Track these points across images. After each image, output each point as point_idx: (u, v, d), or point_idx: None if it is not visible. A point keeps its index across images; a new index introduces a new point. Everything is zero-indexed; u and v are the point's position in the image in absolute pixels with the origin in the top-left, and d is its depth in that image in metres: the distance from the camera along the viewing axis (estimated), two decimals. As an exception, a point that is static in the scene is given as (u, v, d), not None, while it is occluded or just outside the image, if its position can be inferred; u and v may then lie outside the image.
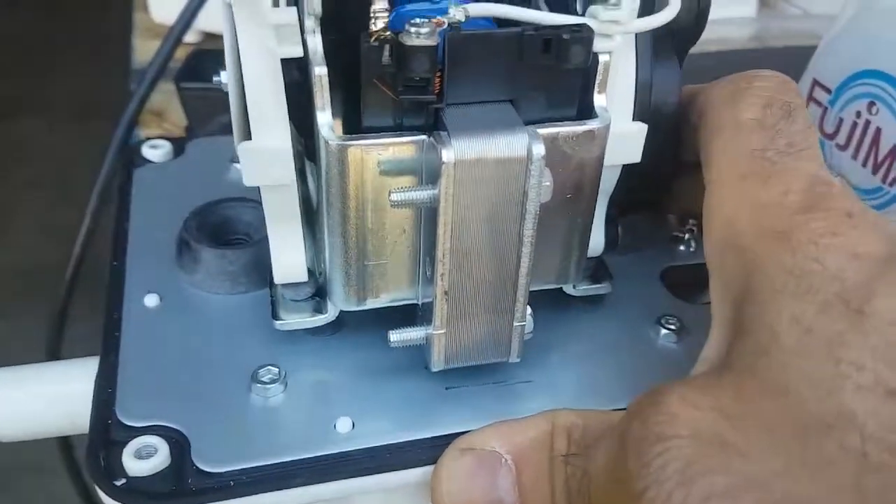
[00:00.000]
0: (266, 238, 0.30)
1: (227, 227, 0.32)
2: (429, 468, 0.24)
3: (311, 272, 0.27)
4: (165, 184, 0.35)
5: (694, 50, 0.28)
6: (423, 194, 0.22)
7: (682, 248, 0.33)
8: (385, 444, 0.25)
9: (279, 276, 0.27)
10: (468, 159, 0.22)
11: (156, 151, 0.36)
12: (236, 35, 0.22)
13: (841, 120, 0.36)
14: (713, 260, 0.23)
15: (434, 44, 0.21)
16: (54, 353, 0.49)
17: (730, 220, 0.23)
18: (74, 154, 1.83)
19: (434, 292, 0.24)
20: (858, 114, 0.35)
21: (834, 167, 0.36)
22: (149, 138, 0.39)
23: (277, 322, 0.27)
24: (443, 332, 0.25)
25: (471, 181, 0.22)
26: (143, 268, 0.31)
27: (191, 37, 0.50)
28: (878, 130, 0.34)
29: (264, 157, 0.23)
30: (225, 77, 0.26)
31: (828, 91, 0.36)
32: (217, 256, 0.30)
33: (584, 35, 0.22)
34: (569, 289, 0.28)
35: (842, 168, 0.36)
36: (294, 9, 0.21)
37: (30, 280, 1.50)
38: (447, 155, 0.21)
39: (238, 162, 0.35)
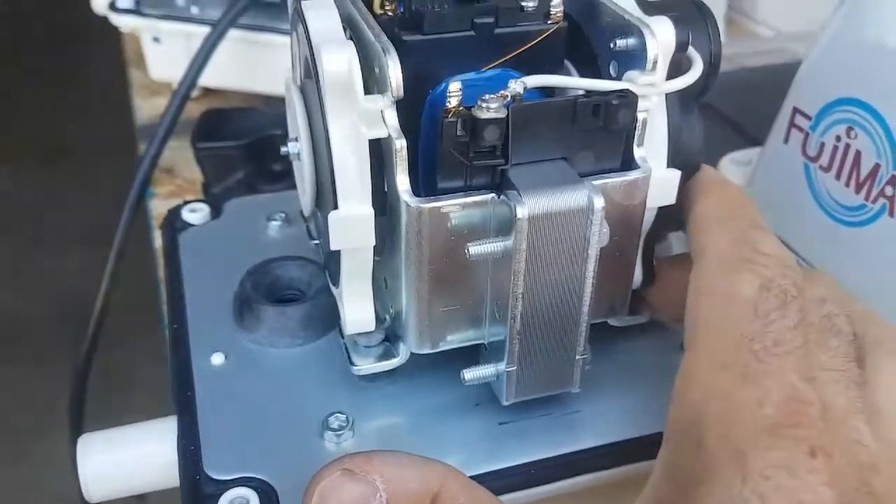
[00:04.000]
0: (319, 292, 0.34)
1: (280, 283, 0.35)
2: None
3: (378, 319, 0.31)
4: (210, 245, 0.38)
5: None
6: (498, 246, 0.26)
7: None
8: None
9: (351, 328, 0.30)
10: (539, 214, 0.26)
11: (195, 215, 0.39)
12: (325, 118, 0.26)
13: (823, 144, 0.41)
14: (672, 435, 0.24)
15: (504, 116, 0.25)
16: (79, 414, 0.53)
17: (698, 408, 0.23)
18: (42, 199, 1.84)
19: (507, 333, 0.28)
20: (838, 138, 0.40)
21: (819, 189, 0.42)
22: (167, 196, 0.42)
23: (354, 368, 0.31)
24: (514, 368, 0.29)
25: (540, 232, 0.26)
26: (203, 329, 0.34)
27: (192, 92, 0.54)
28: (858, 153, 0.39)
29: (350, 224, 0.27)
30: (294, 148, 0.30)
31: (808, 118, 0.42)
32: (277, 313, 0.33)
33: (630, 100, 0.26)
34: (612, 320, 0.33)
35: (827, 188, 0.41)
36: (380, 96, 0.25)
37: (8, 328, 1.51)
38: (521, 211, 0.26)
39: (275, 220, 0.39)
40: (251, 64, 0.64)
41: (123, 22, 0.66)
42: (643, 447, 0.30)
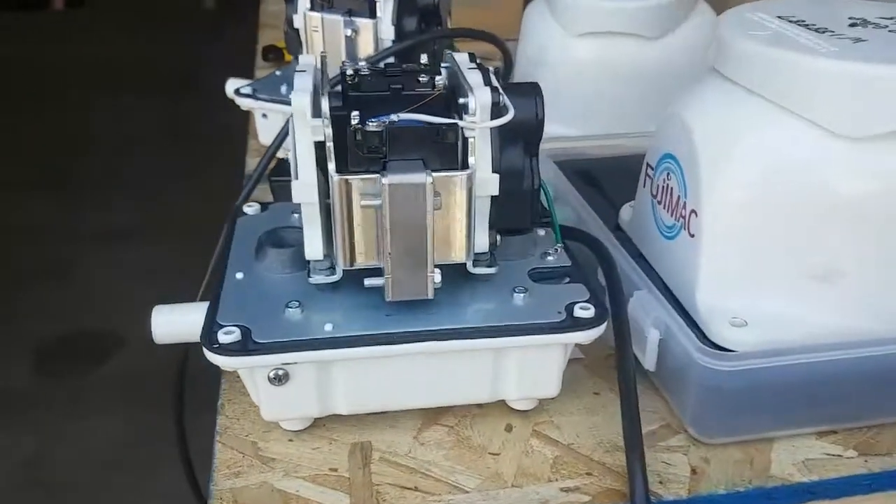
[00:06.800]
0: (300, 245, 0.57)
1: (281, 239, 0.59)
2: (367, 349, 0.50)
3: (328, 256, 0.54)
4: (254, 225, 0.63)
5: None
6: (376, 202, 0.49)
7: (549, 258, 0.59)
8: (348, 335, 0.51)
9: (308, 255, 0.53)
10: (395, 184, 0.48)
11: (251, 209, 0.65)
12: (293, 129, 0.50)
13: (658, 185, 0.62)
14: None
15: (380, 130, 0.49)
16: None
17: None
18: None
19: (385, 254, 0.50)
20: (664, 180, 0.61)
21: (657, 216, 0.62)
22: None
23: (310, 279, 0.53)
24: (390, 276, 0.51)
25: (398, 196, 0.49)
26: (236, 262, 0.58)
27: (281, 153, 0.80)
28: (672, 189, 0.59)
29: (303, 187, 0.51)
30: (287, 154, 0.54)
31: (652, 168, 0.63)
32: (275, 252, 0.57)
33: (454, 129, 0.49)
34: (470, 267, 0.54)
35: (660, 214, 0.61)
36: (320, 119, 0.49)
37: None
38: (384, 181, 0.48)
39: (296, 213, 0.63)
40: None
41: (243, 102, 0.94)
42: (464, 334, 0.51)
